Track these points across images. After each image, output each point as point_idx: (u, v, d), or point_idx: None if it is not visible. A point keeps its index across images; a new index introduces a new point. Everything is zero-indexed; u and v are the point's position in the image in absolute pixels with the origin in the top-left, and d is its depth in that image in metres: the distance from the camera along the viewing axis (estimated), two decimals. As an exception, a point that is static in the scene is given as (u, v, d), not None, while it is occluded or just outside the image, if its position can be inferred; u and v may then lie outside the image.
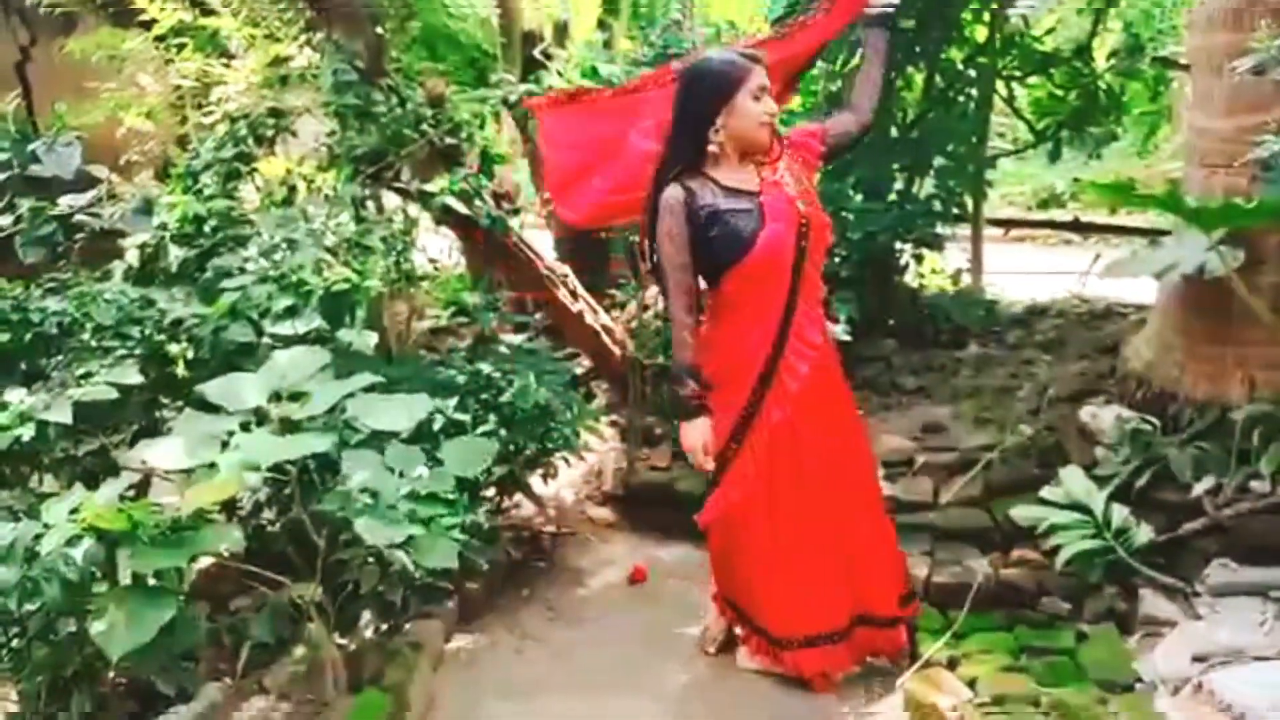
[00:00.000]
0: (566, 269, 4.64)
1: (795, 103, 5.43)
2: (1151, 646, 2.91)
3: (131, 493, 2.89)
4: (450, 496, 2.60)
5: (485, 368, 3.69)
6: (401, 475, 2.61)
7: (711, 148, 2.75)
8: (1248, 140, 3.09)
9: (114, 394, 2.81)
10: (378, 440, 2.86)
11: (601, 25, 5.75)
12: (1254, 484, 3.18)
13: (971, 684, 2.85)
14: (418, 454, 2.69)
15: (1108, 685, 2.78)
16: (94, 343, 3.02)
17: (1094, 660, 2.90)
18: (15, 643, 2.57)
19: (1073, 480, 3.37)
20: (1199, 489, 3.21)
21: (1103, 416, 3.62)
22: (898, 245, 5.24)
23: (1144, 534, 3.16)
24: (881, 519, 3.05)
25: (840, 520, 2.91)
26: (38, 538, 2.33)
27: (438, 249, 4.88)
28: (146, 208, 3.55)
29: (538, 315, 4.76)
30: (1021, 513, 3.36)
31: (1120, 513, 3.22)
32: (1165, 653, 2.84)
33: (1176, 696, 2.66)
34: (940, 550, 3.46)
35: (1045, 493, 3.38)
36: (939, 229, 5.25)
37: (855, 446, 2.99)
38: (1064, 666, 2.89)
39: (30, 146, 3.78)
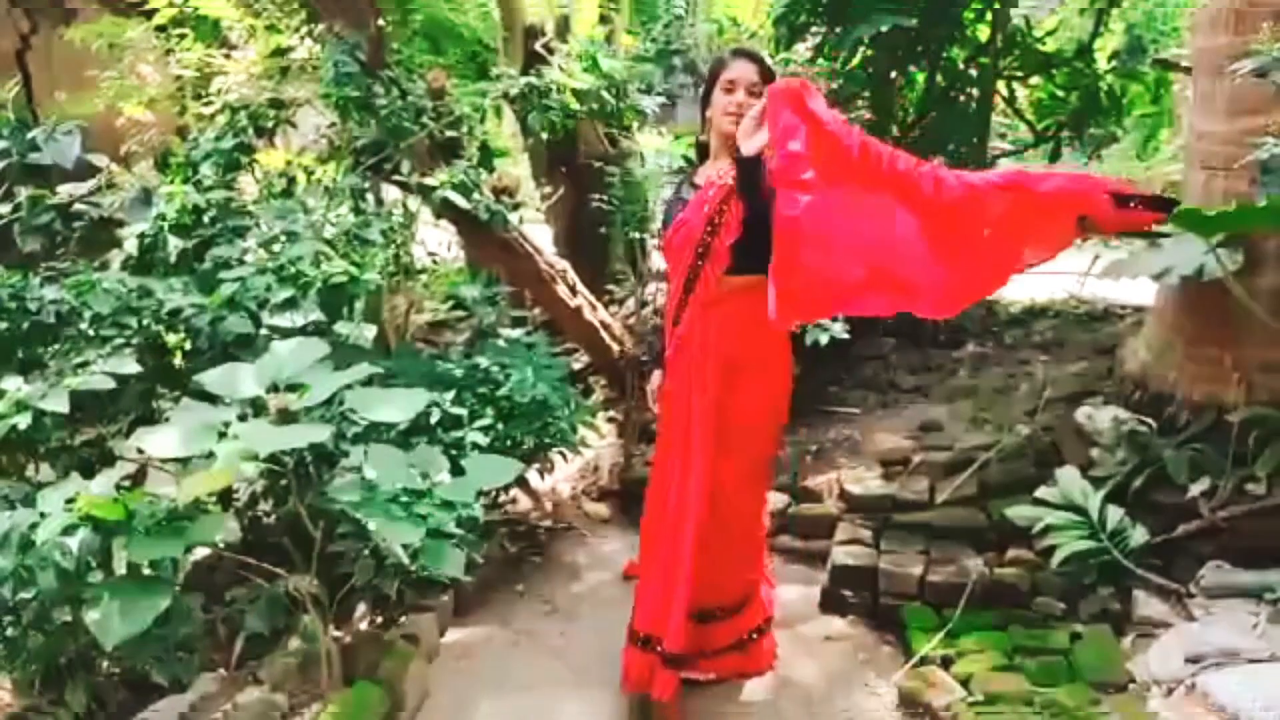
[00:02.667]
0: (565, 264, 4.64)
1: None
2: (1145, 647, 2.92)
3: (128, 482, 2.90)
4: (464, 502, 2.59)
5: (483, 362, 3.70)
6: (419, 475, 2.60)
7: (702, 137, 2.93)
8: (1248, 143, 3.09)
9: (111, 383, 2.80)
10: (375, 432, 2.86)
11: (603, 20, 5.73)
12: (1249, 486, 3.18)
13: (965, 682, 2.86)
14: (440, 458, 2.68)
15: (1101, 685, 2.79)
16: (92, 332, 3.02)
17: (1088, 660, 2.90)
18: (10, 631, 2.57)
19: (1068, 481, 3.37)
20: (1194, 491, 3.22)
21: (1099, 417, 3.62)
22: (897, 244, 5.24)
23: (1139, 535, 3.17)
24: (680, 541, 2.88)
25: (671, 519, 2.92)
26: (33, 526, 2.33)
27: (436, 242, 4.88)
28: (145, 197, 3.53)
29: (535, 310, 4.77)
30: (1017, 512, 3.36)
31: (1115, 514, 3.22)
32: (1159, 654, 2.85)
33: (1170, 697, 2.67)
34: (935, 549, 3.46)
35: (1041, 493, 3.39)
36: (938, 228, 5.24)
37: (699, 462, 2.86)
38: (1058, 666, 2.90)
39: (30, 134, 3.76)
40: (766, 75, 2.79)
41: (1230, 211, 2.99)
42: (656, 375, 3.14)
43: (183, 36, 4.61)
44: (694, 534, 2.85)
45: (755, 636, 3.10)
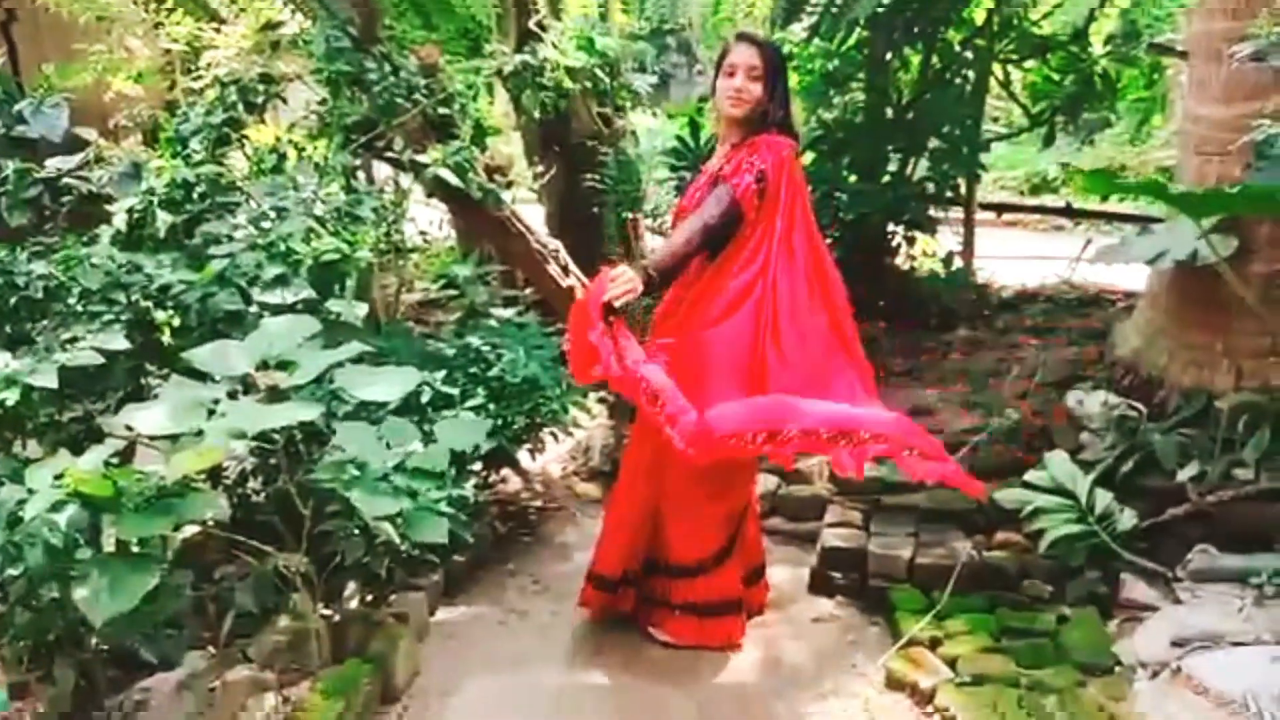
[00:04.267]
0: (558, 244, 4.62)
1: (793, 81, 5.41)
2: (1131, 630, 2.94)
3: (116, 459, 2.88)
4: (439, 470, 2.59)
5: (475, 341, 3.68)
6: (391, 448, 2.59)
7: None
8: (1244, 128, 3.09)
9: (100, 359, 2.78)
10: (365, 411, 2.85)
11: (598, -4, 5.69)
12: (1237, 471, 3.21)
13: (952, 664, 2.88)
14: (412, 428, 2.68)
15: (1087, 668, 2.81)
16: (80, 307, 2.99)
17: (1074, 643, 2.92)
18: (-2, 607, 2.56)
19: (1058, 465, 3.38)
20: (1183, 476, 3.24)
21: (1089, 402, 3.64)
22: (890, 227, 5.24)
23: (1127, 519, 3.19)
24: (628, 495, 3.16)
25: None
26: (22, 503, 2.31)
27: (427, 221, 4.86)
28: (135, 172, 3.50)
29: (527, 290, 4.75)
30: (1006, 496, 3.37)
31: (1104, 498, 3.24)
32: (1145, 637, 2.87)
33: (1155, 680, 2.70)
34: (925, 531, 3.47)
35: (1030, 477, 3.40)
36: (931, 211, 5.24)
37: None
38: (1044, 648, 2.92)
39: (16, 107, 3.71)
40: (768, 58, 2.86)
41: (1216, 194, 3.00)
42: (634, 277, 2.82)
43: (172, 10, 4.55)
44: (633, 490, 3.13)
45: (719, 611, 3.12)
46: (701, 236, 2.82)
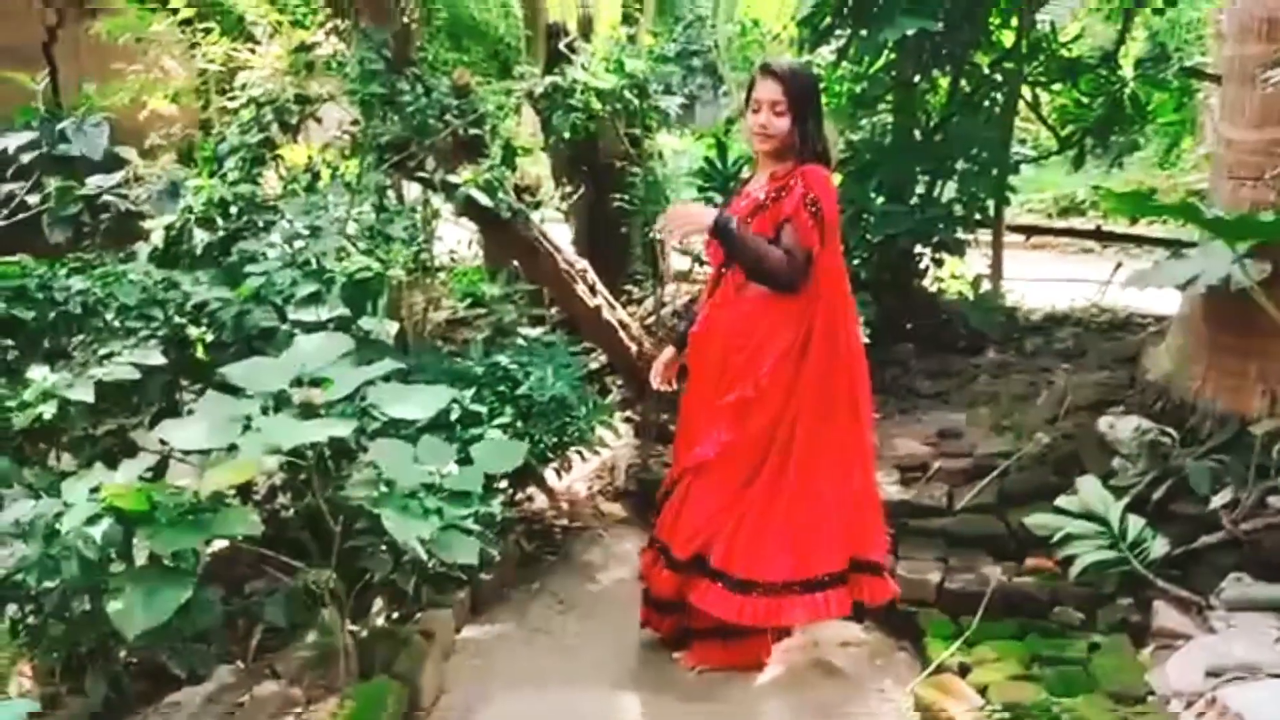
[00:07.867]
0: (585, 263, 4.64)
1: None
2: (1164, 659, 2.89)
3: (150, 474, 2.91)
4: (471, 490, 2.61)
5: (503, 360, 3.70)
6: (425, 467, 2.61)
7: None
8: (1278, 153, 3.06)
9: (136, 374, 2.82)
10: (394, 428, 2.87)
11: (626, 19, 5.74)
12: (1272, 499, 3.15)
13: (983, 691, 2.84)
14: (448, 448, 2.70)
15: (1119, 697, 2.76)
16: (117, 323, 3.04)
17: (1106, 671, 2.88)
18: (32, 619, 2.59)
19: (1089, 490, 3.35)
20: (1216, 502, 3.19)
21: (1121, 427, 3.60)
22: (918, 249, 5.23)
23: (1159, 546, 3.14)
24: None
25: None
26: (58, 516, 2.34)
27: (456, 240, 4.90)
28: (173, 190, 3.56)
29: (553, 309, 4.77)
30: (1036, 521, 3.34)
31: (1136, 524, 3.20)
32: (1178, 666, 2.82)
33: (1189, 710, 2.65)
34: (954, 556, 3.45)
35: (1061, 502, 3.36)
36: (960, 234, 5.23)
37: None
38: (1076, 676, 2.87)
39: (59, 126, 3.79)
40: (790, 90, 2.83)
41: (1249, 220, 2.97)
42: (668, 351, 3.31)
43: (208, 31, 4.62)
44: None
45: (744, 633, 3.08)
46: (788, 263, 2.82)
